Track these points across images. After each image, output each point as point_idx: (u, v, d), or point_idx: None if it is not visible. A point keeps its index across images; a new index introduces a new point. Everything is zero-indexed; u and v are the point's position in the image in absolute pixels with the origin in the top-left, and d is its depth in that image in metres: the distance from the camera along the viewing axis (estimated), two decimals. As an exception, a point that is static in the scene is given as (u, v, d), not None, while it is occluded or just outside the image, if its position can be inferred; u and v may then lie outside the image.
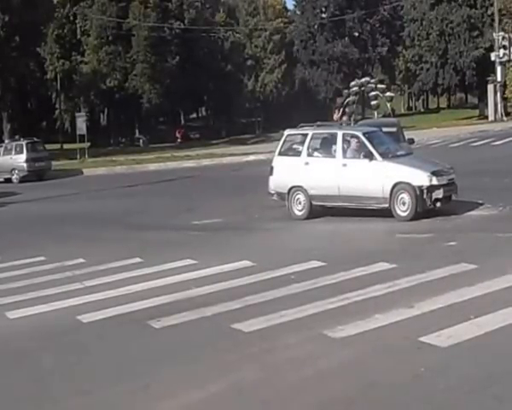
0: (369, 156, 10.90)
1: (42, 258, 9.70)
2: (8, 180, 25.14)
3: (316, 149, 11.74)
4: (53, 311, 6.94)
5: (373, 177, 10.80)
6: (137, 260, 8.99)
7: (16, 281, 8.36)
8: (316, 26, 54.03)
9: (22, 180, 24.81)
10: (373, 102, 33.79)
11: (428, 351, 4.99)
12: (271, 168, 12.00)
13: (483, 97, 43.88)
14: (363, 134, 11.27)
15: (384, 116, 32.11)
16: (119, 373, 5.13)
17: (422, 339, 5.17)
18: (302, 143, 11.74)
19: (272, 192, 12.03)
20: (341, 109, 33.50)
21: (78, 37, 51.05)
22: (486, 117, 40.05)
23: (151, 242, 10.52)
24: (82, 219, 13.72)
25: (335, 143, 11.31)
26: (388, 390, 4.39)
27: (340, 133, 11.40)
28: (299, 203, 11.59)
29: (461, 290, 6.34)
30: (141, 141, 49.18)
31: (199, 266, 8.27)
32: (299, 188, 11.54)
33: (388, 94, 35.01)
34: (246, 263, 8.27)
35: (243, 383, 4.71)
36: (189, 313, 6.38)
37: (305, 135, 11.78)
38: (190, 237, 10.79)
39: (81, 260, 9.28)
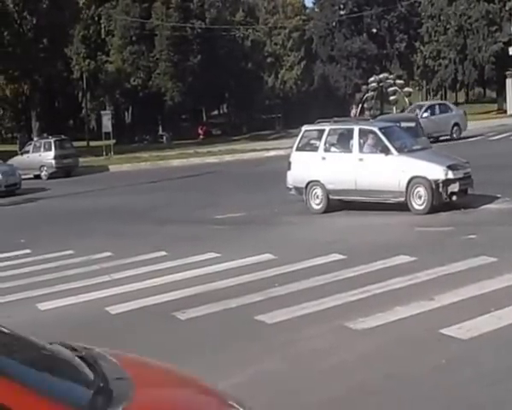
0: (386, 151, 10.97)
1: (70, 251, 9.86)
2: (37, 177, 25.48)
3: (333, 145, 11.83)
4: (82, 303, 7.07)
5: (389, 171, 10.86)
6: (162, 253, 9.13)
7: (46, 274, 8.56)
8: (334, 23, 53.95)
9: (50, 177, 25.14)
10: (391, 98, 33.70)
11: (449, 343, 5.00)
12: (289, 163, 12.10)
13: (501, 92, 43.37)
14: (380, 129, 11.37)
15: (403, 111, 32.03)
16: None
17: (443, 331, 5.20)
18: (319, 138, 11.84)
19: (290, 187, 12.12)
20: (360, 106, 33.45)
21: (103, 37, 51.65)
22: (505, 111, 39.56)
23: (175, 236, 10.61)
24: (108, 214, 13.85)
25: (352, 138, 11.40)
26: (409, 382, 4.44)
27: (356, 128, 11.49)
28: (317, 197, 11.70)
29: (481, 283, 6.34)
30: (164, 138, 49.56)
31: (222, 259, 8.35)
32: (316, 182, 11.64)
33: (406, 89, 34.87)
34: (268, 256, 8.35)
35: (266, 374, 4.79)
36: (213, 304, 6.48)
37: (322, 130, 11.87)
38: (213, 230, 10.88)
39: (108, 254, 9.43)
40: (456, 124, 24.87)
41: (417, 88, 65.24)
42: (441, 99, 71.42)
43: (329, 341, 5.32)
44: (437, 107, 26.01)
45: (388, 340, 5.21)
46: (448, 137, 24.25)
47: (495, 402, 4.06)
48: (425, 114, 24.57)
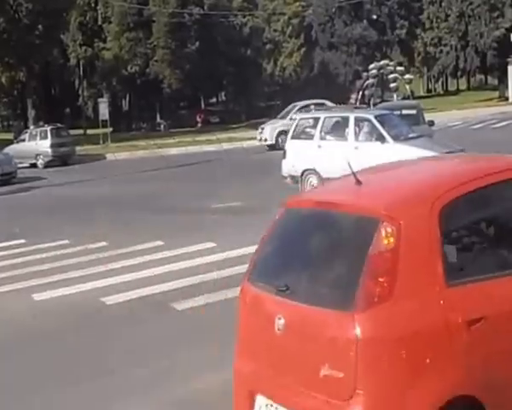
0: (381, 139, 10.93)
1: (66, 241, 9.79)
2: (34, 165, 25.28)
3: (328, 133, 11.80)
4: (77, 293, 7.04)
5: (385, 159, 10.70)
6: (159, 243, 9.06)
7: (41, 264, 8.49)
8: (334, 9, 53.51)
9: (47, 165, 24.95)
10: (392, 85, 33.53)
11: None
12: (284, 152, 12.10)
13: (503, 79, 43.21)
14: (375, 117, 11.34)
15: (404, 98, 31.81)
16: (141, 355, 5.21)
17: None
18: (314, 126, 11.82)
19: (285, 175, 12.09)
20: (360, 93, 33.24)
21: (100, 23, 51.29)
22: (507, 98, 39.46)
23: (172, 225, 10.56)
24: (104, 203, 13.80)
25: (347, 127, 11.35)
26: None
27: (352, 117, 11.44)
28: (312, 186, 11.63)
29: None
30: (162, 126, 49.38)
31: (219, 249, 8.29)
32: (311, 171, 11.59)
33: (407, 76, 34.70)
34: (266, 247, 8.33)
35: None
36: (210, 295, 6.43)
37: (318, 119, 11.86)
38: (210, 220, 10.82)
39: (104, 244, 9.36)
40: None
41: (418, 75, 64.97)
42: (442, 86, 71.27)
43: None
44: (312, 107, 23.39)
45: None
46: None
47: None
48: (295, 116, 22.79)
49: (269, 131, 22.91)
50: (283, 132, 22.25)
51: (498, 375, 2.78)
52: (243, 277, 3.40)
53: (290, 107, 24.42)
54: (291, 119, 22.39)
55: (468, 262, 2.91)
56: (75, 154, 26.77)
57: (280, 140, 22.30)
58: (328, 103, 24.27)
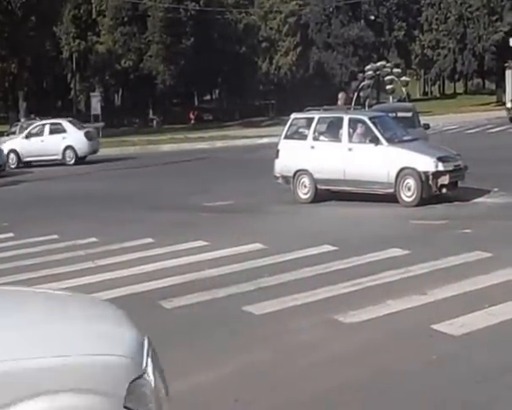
0: (375, 141, 10.86)
1: (55, 236, 9.67)
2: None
3: (322, 133, 11.70)
4: (65, 289, 6.92)
5: (378, 162, 10.76)
6: (149, 240, 8.96)
7: (29, 258, 8.36)
8: (331, 9, 53.48)
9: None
10: (388, 87, 33.54)
11: (440, 339, 4.93)
12: (277, 151, 11.98)
13: (501, 83, 43.37)
14: (370, 119, 11.25)
15: (399, 101, 31.80)
16: (130, 353, 5.14)
17: (435, 327, 5.11)
18: (308, 126, 11.71)
19: (278, 175, 12.00)
20: (355, 94, 33.16)
21: (94, 17, 51.01)
22: (504, 103, 39.55)
23: (163, 222, 10.49)
24: (94, 199, 13.70)
25: (341, 128, 11.28)
26: (399, 377, 4.34)
27: (346, 117, 11.34)
28: (305, 187, 11.56)
29: (475, 279, 6.26)
30: (154, 122, 49.18)
31: (210, 248, 8.23)
32: (304, 171, 11.50)
33: (404, 78, 34.72)
34: (257, 246, 8.23)
35: (253, 366, 4.69)
36: (200, 294, 6.36)
37: (312, 119, 11.74)
38: (202, 218, 10.77)
39: (93, 240, 9.25)
40: (69, 147, 21.76)
41: (415, 77, 65.09)
42: (439, 89, 71.43)
43: (318, 334, 5.23)
44: (47, 126, 22.63)
45: (379, 334, 5.13)
46: (59, 162, 21.60)
47: (487, 400, 4.01)
48: (22, 135, 22.21)
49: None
50: (13, 151, 21.77)
51: None
52: None
53: (37, 122, 23.84)
54: (26, 136, 22.11)
55: None
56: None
57: (10, 159, 21.63)
58: (64, 122, 23.38)
